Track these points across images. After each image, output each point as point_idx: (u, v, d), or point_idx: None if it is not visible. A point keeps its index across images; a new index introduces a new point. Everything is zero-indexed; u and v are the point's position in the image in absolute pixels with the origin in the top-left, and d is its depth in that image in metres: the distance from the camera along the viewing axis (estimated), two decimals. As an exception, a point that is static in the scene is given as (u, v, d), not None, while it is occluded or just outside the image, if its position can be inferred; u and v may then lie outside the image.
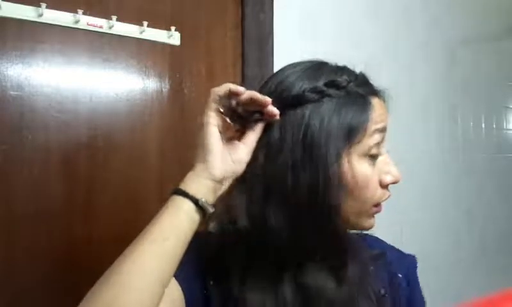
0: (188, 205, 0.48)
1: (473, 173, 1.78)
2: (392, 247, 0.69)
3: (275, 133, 0.51)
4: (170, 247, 0.46)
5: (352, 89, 0.52)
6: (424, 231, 1.56)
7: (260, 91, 0.52)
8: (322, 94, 0.50)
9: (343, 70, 0.55)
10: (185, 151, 1.02)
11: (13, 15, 0.83)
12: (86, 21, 0.90)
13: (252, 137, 0.51)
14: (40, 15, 0.84)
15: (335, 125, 0.49)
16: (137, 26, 0.96)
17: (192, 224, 0.48)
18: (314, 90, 0.50)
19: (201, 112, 0.51)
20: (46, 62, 0.87)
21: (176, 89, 1.02)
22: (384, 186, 0.54)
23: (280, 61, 1.16)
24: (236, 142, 0.51)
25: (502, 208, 1.90)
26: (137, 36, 0.96)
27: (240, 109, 0.51)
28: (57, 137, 0.87)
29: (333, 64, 0.56)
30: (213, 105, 0.50)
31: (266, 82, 0.57)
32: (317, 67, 0.54)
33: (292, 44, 1.18)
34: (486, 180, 1.84)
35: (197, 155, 0.51)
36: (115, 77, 0.94)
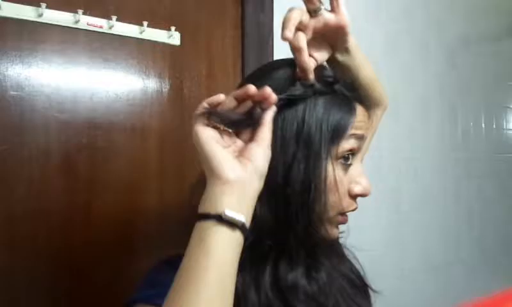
0: (212, 225, 0.43)
1: (473, 173, 1.78)
2: None
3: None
4: (215, 280, 0.41)
5: (339, 89, 0.53)
6: (424, 231, 1.56)
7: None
8: (314, 91, 0.51)
9: (326, 68, 0.56)
10: (185, 151, 1.02)
11: (13, 15, 0.83)
12: (86, 21, 0.90)
13: (260, 132, 0.48)
14: (40, 15, 0.84)
15: (326, 124, 0.50)
16: (137, 26, 0.96)
17: (228, 241, 0.43)
18: (306, 86, 0.50)
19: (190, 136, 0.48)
20: (46, 62, 0.87)
21: (176, 89, 1.02)
22: (352, 196, 0.53)
23: (279, 61, 1.15)
24: (243, 143, 0.49)
25: (502, 208, 1.90)
26: (137, 36, 0.96)
27: (230, 114, 0.49)
28: (57, 137, 0.87)
29: None
30: (198, 122, 0.47)
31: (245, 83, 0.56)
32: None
33: (292, 44, 1.18)
34: (486, 180, 1.84)
35: (205, 171, 0.46)
36: (115, 77, 0.94)
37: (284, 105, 0.50)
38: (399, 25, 1.50)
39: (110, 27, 0.92)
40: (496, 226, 1.87)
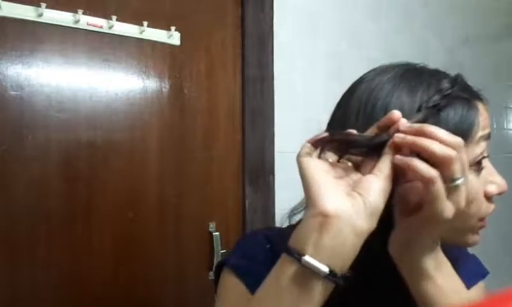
0: (293, 268, 0.38)
1: (473, 173, 1.78)
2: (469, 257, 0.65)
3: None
4: None
5: (456, 94, 0.47)
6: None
7: (346, 112, 0.47)
8: (435, 109, 0.45)
9: (439, 74, 0.50)
10: (185, 151, 1.02)
11: (13, 15, 0.83)
12: (86, 21, 0.90)
13: (379, 162, 0.40)
14: (40, 15, 0.84)
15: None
16: (137, 26, 0.96)
17: (303, 288, 0.37)
18: (427, 107, 0.45)
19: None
20: (46, 62, 0.87)
21: (176, 89, 1.02)
22: (489, 198, 0.49)
23: (279, 61, 1.16)
24: (360, 174, 0.42)
25: (502, 208, 1.89)
26: (137, 36, 0.96)
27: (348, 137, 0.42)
28: (57, 137, 0.87)
29: (424, 67, 0.52)
30: (304, 155, 0.42)
31: (349, 101, 0.49)
32: (413, 76, 0.49)
33: (292, 44, 1.18)
34: (486, 180, 1.84)
35: (305, 200, 0.40)
36: (115, 77, 0.94)
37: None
38: (399, 25, 1.50)
39: (110, 27, 0.92)
40: (497, 226, 1.87)
